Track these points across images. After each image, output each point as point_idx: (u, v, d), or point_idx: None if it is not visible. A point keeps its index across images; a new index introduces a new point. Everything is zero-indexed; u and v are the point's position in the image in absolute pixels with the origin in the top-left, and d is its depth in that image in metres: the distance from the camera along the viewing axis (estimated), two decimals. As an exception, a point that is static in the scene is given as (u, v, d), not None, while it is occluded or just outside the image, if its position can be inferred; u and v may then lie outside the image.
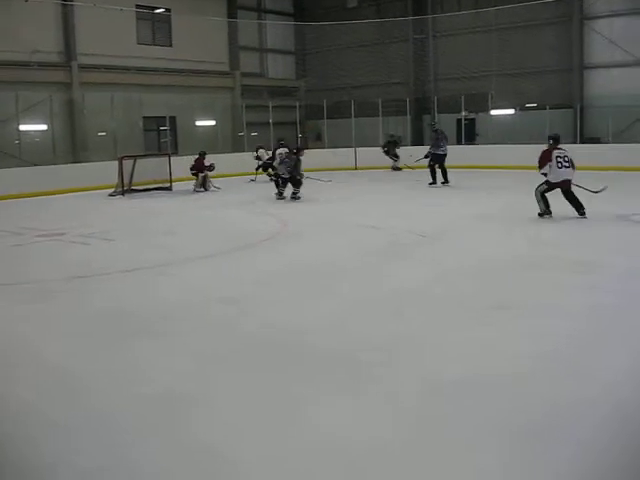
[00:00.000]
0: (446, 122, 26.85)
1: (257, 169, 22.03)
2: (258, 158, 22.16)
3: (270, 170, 20.24)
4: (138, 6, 25.43)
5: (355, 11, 29.94)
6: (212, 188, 19.67)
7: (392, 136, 25.23)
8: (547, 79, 25.09)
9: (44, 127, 22.60)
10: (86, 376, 5.25)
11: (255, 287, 7.81)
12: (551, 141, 12.18)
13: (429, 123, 21.12)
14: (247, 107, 27.83)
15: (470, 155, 23.73)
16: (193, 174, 19.86)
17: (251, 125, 27.81)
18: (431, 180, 18.57)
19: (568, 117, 25.00)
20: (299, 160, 16.34)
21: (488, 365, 5.18)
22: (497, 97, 25.76)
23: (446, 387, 4.79)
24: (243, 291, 7.65)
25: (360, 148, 26.05)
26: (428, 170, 18.67)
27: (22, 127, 21.77)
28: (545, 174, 11.99)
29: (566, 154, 12.11)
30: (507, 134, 24.21)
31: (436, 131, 19.42)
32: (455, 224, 12.24)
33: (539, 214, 12.10)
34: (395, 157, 24.61)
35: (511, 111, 25.63)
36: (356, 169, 25.46)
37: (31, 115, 21.81)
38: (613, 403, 4.48)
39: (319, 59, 30.71)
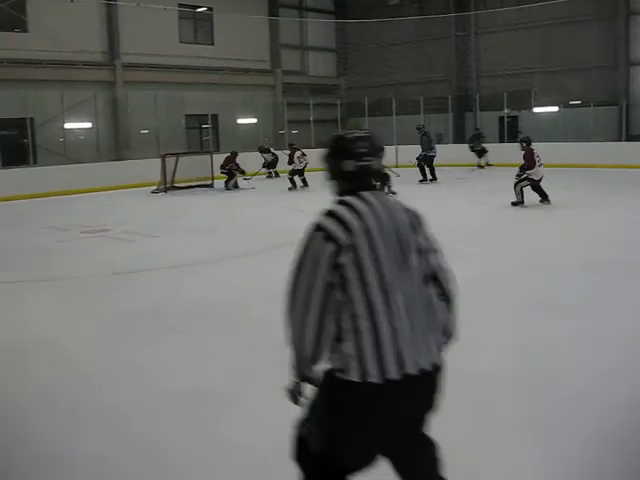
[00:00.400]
0: (488, 120, 26.65)
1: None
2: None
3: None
4: (181, 5, 25.66)
5: (396, 8, 29.82)
6: (248, 187, 19.74)
7: (477, 129, 24.80)
8: (591, 76, 24.65)
9: (88, 125, 22.94)
10: (118, 371, 5.32)
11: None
12: (524, 144, 13.89)
13: (417, 127, 21.03)
14: (288, 105, 27.93)
15: (512, 153, 23.41)
16: (223, 173, 19.96)
17: (292, 123, 27.90)
18: (421, 177, 20.11)
19: (613, 114, 24.57)
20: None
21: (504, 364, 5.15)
22: (540, 94, 25.43)
23: (467, 378, 4.76)
24: (282, 290, 7.66)
25: (401, 146, 25.92)
26: (418, 169, 20.24)
27: (67, 125, 22.11)
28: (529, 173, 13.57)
29: (538, 153, 13.71)
30: (550, 132, 23.86)
31: (426, 134, 20.52)
32: (500, 220, 12.17)
33: (513, 203, 13.79)
34: (482, 153, 23.89)
35: (555, 108, 25.28)
36: (397, 167, 25.33)
37: (76, 113, 22.16)
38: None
39: (360, 56, 30.60)
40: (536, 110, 25.56)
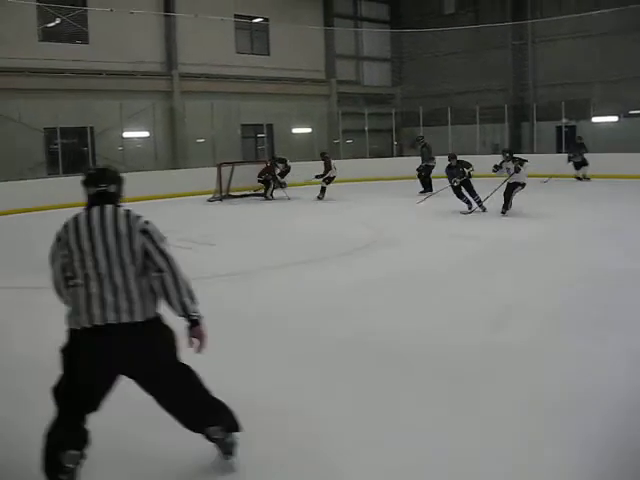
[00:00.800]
0: (545, 130, 26.24)
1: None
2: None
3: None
4: (237, 16, 25.90)
5: (452, 17, 29.62)
6: (284, 196, 19.60)
7: (580, 138, 23.24)
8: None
9: (146, 134, 23.28)
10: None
11: (351, 294, 7.79)
12: (507, 154, 14.78)
13: (416, 138, 21.01)
14: (343, 114, 27.96)
15: (569, 165, 23.10)
16: (259, 181, 19.94)
17: (347, 132, 27.93)
18: (422, 189, 19.98)
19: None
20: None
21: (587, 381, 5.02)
22: (599, 104, 24.93)
23: (546, 404, 4.66)
24: (339, 298, 7.65)
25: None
26: (419, 181, 20.41)
27: (125, 134, 22.48)
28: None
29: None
30: (610, 142, 23.37)
31: (425, 145, 20.77)
32: (561, 233, 11.95)
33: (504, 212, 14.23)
34: (581, 165, 22.44)
35: (614, 118, 24.79)
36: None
37: (134, 123, 22.52)
38: None
39: (415, 66, 30.46)
40: (595, 120, 25.06)
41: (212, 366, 5.47)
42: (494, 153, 26.94)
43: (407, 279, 8.57)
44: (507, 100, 27.84)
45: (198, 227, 14.20)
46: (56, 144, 20.78)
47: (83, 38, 21.95)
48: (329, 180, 19.47)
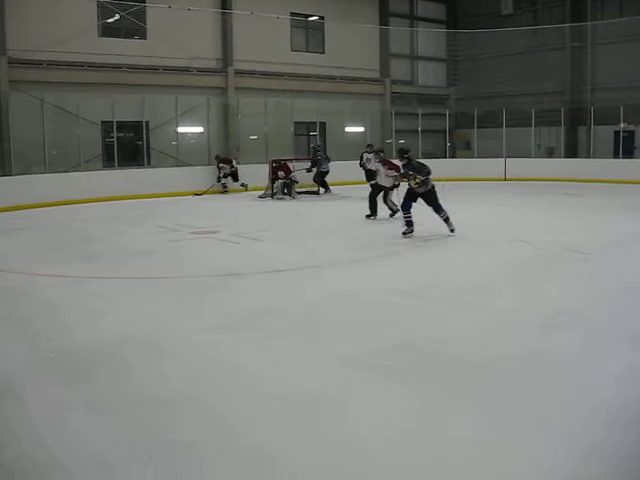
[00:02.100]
0: (603, 134, 25.74)
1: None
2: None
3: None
4: (293, 14, 25.99)
5: (510, 18, 29.22)
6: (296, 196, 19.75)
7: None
8: None
9: (200, 130, 23.51)
10: (223, 371, 5.38)
11: (397, 296, 7.75)
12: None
13: (313, 146, 21.38)
14: (396, 114, 27.83)
15: (628, 169, 22.65)
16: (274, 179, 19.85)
17: (399, 132, 27.79)
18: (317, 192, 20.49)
19: None
20: None
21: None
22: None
23: (592, 410, 4.57)
24: (386, 299, 7.62)
25: (510, 159, 25.43)
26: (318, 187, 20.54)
27: (180, 129, 22.73)
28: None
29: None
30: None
31: (320, 151, 21.21)
32: (613, 240, 11.70)
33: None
34: None
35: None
36: (505, 180, 24.89)
37: (189, 118, 22.77)
38: None
39: (471, 67, 30.15)
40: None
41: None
42: (549, 156, 26.66)
43: (457, 282, 8.49)
44: (564, 103, 27.37)
45: (248, 223, 14.27)
46: (112, 137, 21.12)
47: (141, 34, 22.27)
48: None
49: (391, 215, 14.52)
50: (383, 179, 14.44)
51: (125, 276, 8.99)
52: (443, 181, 23.67)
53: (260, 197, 19.67)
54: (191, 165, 21.83)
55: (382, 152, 15.26)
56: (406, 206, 12.11)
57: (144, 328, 6.57)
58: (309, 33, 27.02)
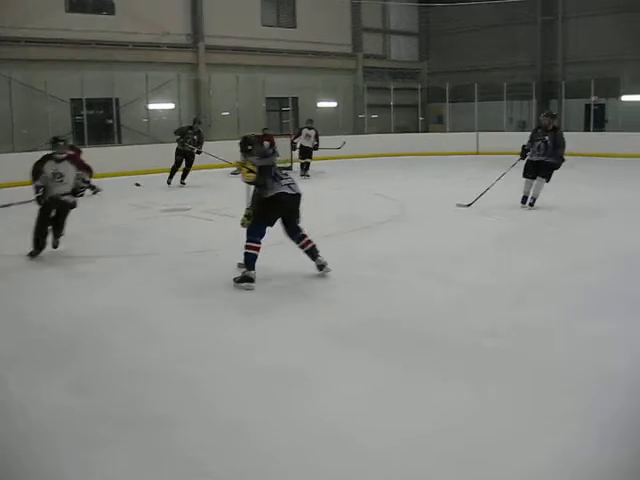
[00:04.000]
0: (574, 107, 25.87)
1: None
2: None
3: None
4: (263, -12, 25.76)
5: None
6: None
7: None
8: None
9: (171, 106, 23.27)
10: (201, 343, 5.39)
11: (372, 269, 7.78)
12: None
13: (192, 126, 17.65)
14: (368, 89, 27.78)
15: (598, 142, 22.80)
16: None
17: (372, 107, 27.74)
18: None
19: None
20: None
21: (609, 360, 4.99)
22: (630, 82, 24.51)
23: (562, 377, 4.64)
24: (361, 272, 7.64)
25: (482, 133, 25.49)
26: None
27: (151, 106, 22.49)
28: None
29: None
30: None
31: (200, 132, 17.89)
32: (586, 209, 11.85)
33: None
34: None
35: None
36: (477, 154, 24.96)
37: (159, 95, 22.53)
38: None
39: (443, 41, 30.09)
40: (624, 98, 24.65)
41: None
42: (521, 130, 26.74)
43: (428, 255, 8.53)
44: (535, 77, 27.49)
45: (220, 200, 14.18)
46: (82, 115, 20.85)
47: (109, 9, 21.91)
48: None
49: None
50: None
51: (95, 254, 8.93)
52: (415, 155, 24.00)
53: (233, 173, 19.50)
54: (163, 142, 21.61)
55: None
56: (256, 231, 7.23)
57: (121, 305, 6.58)
58: (280, 8, 26.75)
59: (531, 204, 12.03)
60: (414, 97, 28.54)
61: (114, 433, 3.95)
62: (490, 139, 24.86)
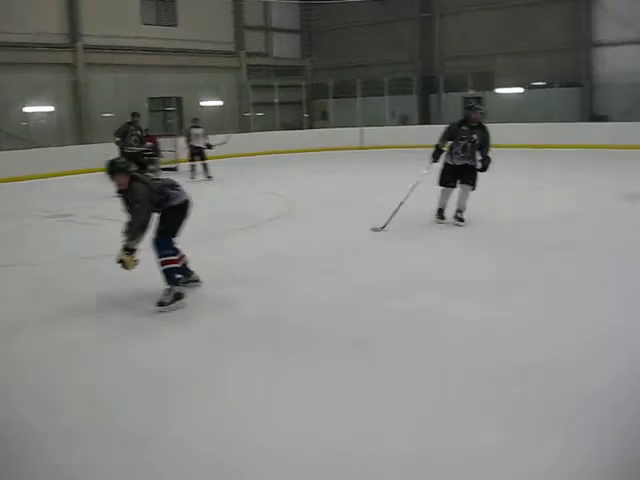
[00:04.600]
0: (453, 101, 26.70)
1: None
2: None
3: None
4: (141, -15, 25.32)
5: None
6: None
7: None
8: (555, 57, 24.78)
9: (51, 109, 22.56)
10: (88, 354, 5.31)
11: (257, 267, 7.82)
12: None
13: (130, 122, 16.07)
14: (253, 87, 27.81)
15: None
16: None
17: (257, 105, 27.78)
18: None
19: (577, 95, 24.86)
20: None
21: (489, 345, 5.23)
22: (504, 75, 25.51)
23: (451, 368, 4.84)
24: (248, 271, 7.67)
25: (366, 128, 25.94)
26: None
27: (29, 109, 21.72)
28: None
29: None
30: (515, 113, 24.01)
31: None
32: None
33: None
34: None
35: (519, 90, 25.39)
36: (362, 148, 25.39)
37: (37, 97, 21.78)
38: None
39: (325, 38, 30.44)
40: (499, 91, 25.68)
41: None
42: (404, 124, 27.46)
43: (315, 253, 8.65)
44: (415, 72, 28.21)
45: (105, 204, 13.83)
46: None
47: (-21, 10, 21.04)
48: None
49: None
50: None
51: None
52: (301, 152, 24.16)
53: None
54: (43, 146, 20.91)
55: None
56: (166, 244, 6.56)
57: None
58: (160, 6, 26.34)
59: (460, 219, 9.96)
60: (298, 94, 28.79)
61: None
62: (374, 133, 25.36)
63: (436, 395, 4.36)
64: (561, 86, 24.85)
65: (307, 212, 11.90)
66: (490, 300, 6.34)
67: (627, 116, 22.52)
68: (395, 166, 18.83)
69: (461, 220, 9.91)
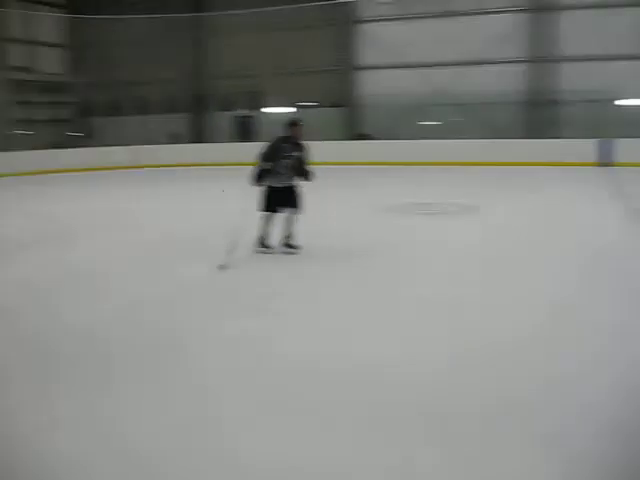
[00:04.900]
0: (225, 120, 27.04)
1: None
2: None
3: None
4: None
5: (133, 6, 28.94)
6: None
7: None
8: (323, 79, 25.96)
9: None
10: None
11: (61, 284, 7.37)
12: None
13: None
14: (18, 103, 26.35)
15: (245, 152, 23.92)
16: None
17: (22, 122, 26.36)
18: None
19: (343, 115, 26.09)
20: None
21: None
22: (276, 95, 26.18)
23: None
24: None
25: (137, 146, 25.38)
26: None
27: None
28: None
29: None
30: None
31: None
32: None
33: None
34: None
35: (292, 109, 26.12)
36: (136, 167, 24.78)
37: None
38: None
39: (95, 54, 29.38)
40: (267, 110, 26.37)
41: None
42: (176, 142, 27.34)
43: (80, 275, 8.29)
44: (187, 90, 28.18)
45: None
46: None
47: None
48: None
49: None
50: None
51: None
52: (69, 172, 23.08)
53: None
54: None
55: None
56: None
57: None
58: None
59: (290, 245, 9.02)
60: (66, 111, 27.67)
61: None
62: (146, 152, 24.94)
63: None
64: (330, 106, 25.97)
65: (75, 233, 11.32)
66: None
67: (387, 134, 24.01)
68: (169, 185, 18.59)
69: (293, 247, 8.97)
